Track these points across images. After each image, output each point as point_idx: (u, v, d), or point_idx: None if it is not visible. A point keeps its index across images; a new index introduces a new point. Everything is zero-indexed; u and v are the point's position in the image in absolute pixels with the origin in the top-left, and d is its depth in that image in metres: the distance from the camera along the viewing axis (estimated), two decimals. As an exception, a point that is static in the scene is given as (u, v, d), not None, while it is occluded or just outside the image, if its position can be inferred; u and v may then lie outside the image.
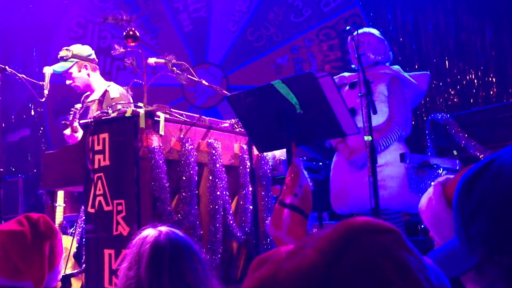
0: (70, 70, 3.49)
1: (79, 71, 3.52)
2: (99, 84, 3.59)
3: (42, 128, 6.29)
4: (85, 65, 3.53)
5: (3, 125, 5.91)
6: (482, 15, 5.76)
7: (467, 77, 5.77)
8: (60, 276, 1.57)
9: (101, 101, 3.50)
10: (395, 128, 3.10)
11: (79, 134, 3.34)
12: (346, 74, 3.39)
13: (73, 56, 3.50)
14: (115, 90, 3.51)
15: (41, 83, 3.08)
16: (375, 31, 3.31)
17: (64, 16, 6.47)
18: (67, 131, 3.34)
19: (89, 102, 3.55)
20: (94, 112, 3.46)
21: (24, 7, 6.32)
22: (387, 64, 3.29)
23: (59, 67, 3.43)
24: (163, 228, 1.45)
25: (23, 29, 6.22)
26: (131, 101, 3.41)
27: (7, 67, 2.72)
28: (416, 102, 3.38)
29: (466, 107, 5.48)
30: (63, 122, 3.36)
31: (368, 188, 2.94)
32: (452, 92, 5.81)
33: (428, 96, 5.84)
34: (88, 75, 3.55)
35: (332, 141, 3.32)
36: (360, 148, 3.10)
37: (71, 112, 3.28)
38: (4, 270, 1.45)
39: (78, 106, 3.32)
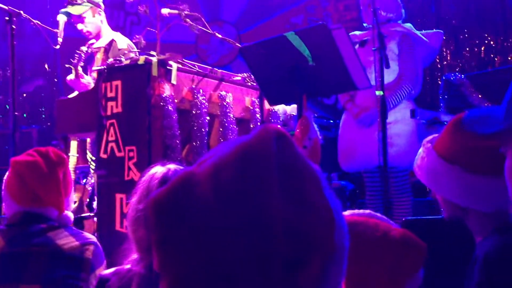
0: (84, 15, 3.35)
1: (93, 16, 3.39)
2: (107, 32, 3.46)
3: (56, 80, 6.34)
4: (99, 11, 3.41)
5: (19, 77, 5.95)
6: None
7: (486, 41, 5.67)
8: (72, 204, 1.63)
9: (107, 49, 3.36)
10: (404, 86, 3.09)
11: (86, 80, 3.22)
12: (357, 32, 3.35)
13: (88, 0, 3.36)
14: (123, 41, 3.38)
15: (55, 30, 3.08)
16: None
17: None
18: (71, 76, 3.18)
19: (94, 48, 3.40)
20: (99, 61, 3.36)
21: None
22: (399, 21, 3.25)
23: (74, 9, 3.30)
24: (172, 166, 1.49)
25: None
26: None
27: (22, 11, 2.73)
28: (428, 61, 3.35)
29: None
30: (66, 65, 3.20)
31: (375, 145, 2.97)
32: (469, 56, 5.72)
33: (446, 60, 5.76)
34: (101, 21, 3.43)
35: (340, 99, 3.32)
36: (368, 106, 3.11)
37: (76, 55, 3.12)
38: (23, 199, 1.51)
39: (84, 48, 3.15)
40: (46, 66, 6.30)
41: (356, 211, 1.11)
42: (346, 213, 1.08)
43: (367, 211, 1.10)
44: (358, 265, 0.98)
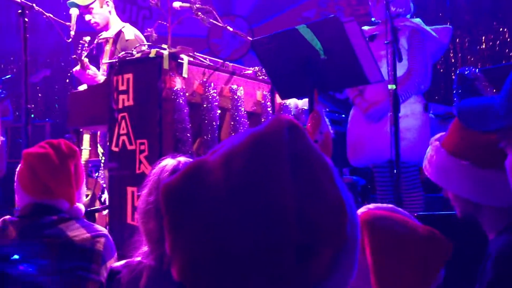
0: (92, 5, 3.34)
1: (101, 7, 3.37)
2: (116, 23, 3.43)
3: (69, 75, 6.38)
4: (107, 2, 3.39)
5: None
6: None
7: (501, 36, 5.60)
8: (84, 197, 1.63)
9: (115, 40, 3.35)
10: (414, 81, 3.07)
11: (92, 70, 3.23)
12: (366, 27, 3.33)
13: None
14: (131, 32, 3.36)
15: (67, 23, 3.09)
16: None
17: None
18: (77, 67, 3.20)
19: (101, 39, 3.39)
20: (108, 52, 3.36)
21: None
22: (408, 16, 3.22)
23: (82, 0, 3.29)
24: (182, 158, 1.48)
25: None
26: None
27: (34, 4, 2.74)
28: (437, 56, 3.33)
29: (498, 67, 5.33)
30: (73, 57, 3.21)
31: (384, 140, 2.95)
32: (484, 52, 5.65)
33: (460, 55, 5.70)
34: (110, 12, 3.41)
35: (349, 94, 3.30)
36: (377, 101, 3.09)
37: (79, 46, 3.13)
38: (35, 191, 1.52)
39: (87, 38, 3.14)
40: (58, 59, 6.34)
41: (378, 204, 1.10)
42: (370, 206, 1.08)
43: (390, 205, 1.10)
44: (388, 260, 0.97)
